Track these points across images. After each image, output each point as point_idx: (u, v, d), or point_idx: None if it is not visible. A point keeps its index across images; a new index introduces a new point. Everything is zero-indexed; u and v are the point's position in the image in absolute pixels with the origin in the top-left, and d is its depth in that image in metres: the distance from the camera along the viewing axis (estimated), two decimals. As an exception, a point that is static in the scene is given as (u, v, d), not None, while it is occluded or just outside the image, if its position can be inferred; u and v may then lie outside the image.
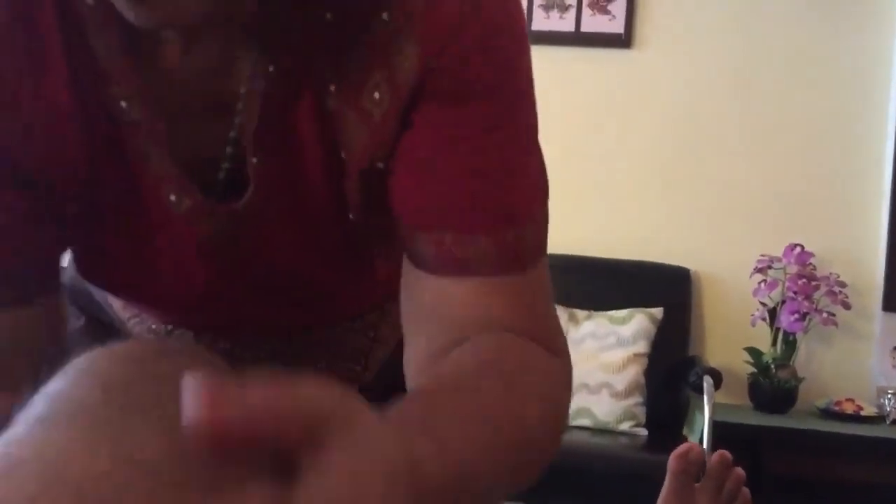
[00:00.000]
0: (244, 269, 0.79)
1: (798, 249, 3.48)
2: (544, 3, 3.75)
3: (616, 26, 3.74)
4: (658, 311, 3.45)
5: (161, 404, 0.44)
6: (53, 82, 0.69)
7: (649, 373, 3.36)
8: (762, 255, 3.50)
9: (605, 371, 3.33)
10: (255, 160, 0.72)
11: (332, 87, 0.70)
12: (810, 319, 3.42)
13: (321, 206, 0.75)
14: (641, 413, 3.32)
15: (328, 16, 0.69)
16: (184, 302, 0.82)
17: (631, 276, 3.58)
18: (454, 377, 0.65)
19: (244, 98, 0.70)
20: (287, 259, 0.78)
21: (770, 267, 3.48)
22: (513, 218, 0.73)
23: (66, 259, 0.86)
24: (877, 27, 3.60)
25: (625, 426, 3.27)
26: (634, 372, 3.34)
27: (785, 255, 3.48)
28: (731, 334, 3.59)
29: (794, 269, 3.46)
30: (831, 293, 3.43)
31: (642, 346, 3.38)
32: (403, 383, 0.75)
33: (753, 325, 3.49)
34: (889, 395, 3.37)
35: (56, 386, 0.46)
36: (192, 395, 0.38)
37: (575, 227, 3.51)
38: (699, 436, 3.09)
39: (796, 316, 3.40)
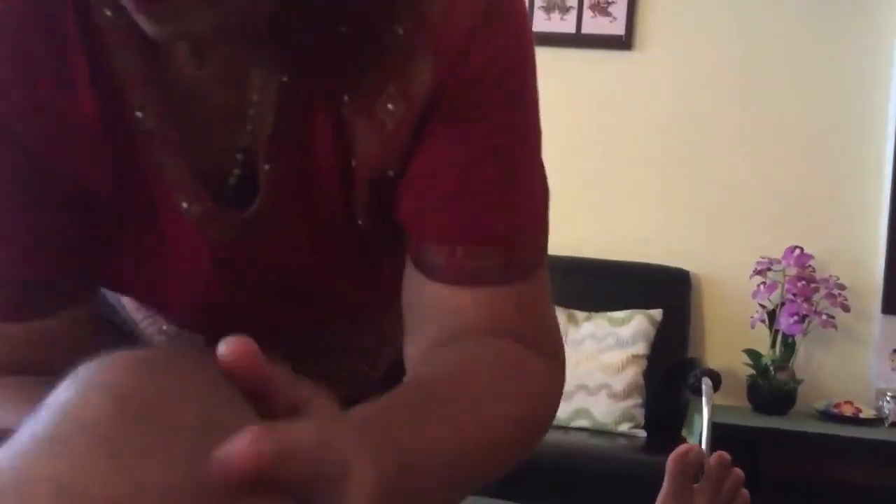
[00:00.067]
0: (254, 273, 0.80)
1: (797, 251, 3.48)
2: (545, 4, 3.75)
3: (617, 28, 3.74)
4: (657, 313, 3.46)
5: (173, 422, 0.44)
6: (77, 92, 0.71)
7: (648, 374, 3.36)
8: (762, 257, 3.50)
9: (604, 372, 3.33)
10: (266, 167, 0.73)
11: (346, 98, 0.71)
12: (809, 322, 3.42)
13: (331, 213, 0.76)
14: (640, 414, 3.32)
15: (342, 28, 0.70)
16: (195, 305, 0.83)
17: (630, 278, 3.58)
18: (431, 381, 0.69)
19: (257, 107, 0.72)
20: (297, 264, 0.80)
21: (769, 269, 3.48)
22: (520, 231, 0.76)
23: None
24: (877, 29, 3.60)
25: (623, 427, 3.27)
26: (633, 373, 3.34)
27: (784, 257, 3.48)
28: (730, 336, 3.59)
29: (793, 271, 3.46)
30: (831, 295, 3.43)
31: (641, 348, 3.38)
32: None
33: (753, 326, 3.49)
34: (888, 398, 3.37)
35: (64, 397, 0.45)
36: (240, 448, 0.42)
37: (575, 228, 3.51)
38: (698, 437, 3.09)
39: (795, 318, 3.40)
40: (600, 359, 3.36)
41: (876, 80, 3.61)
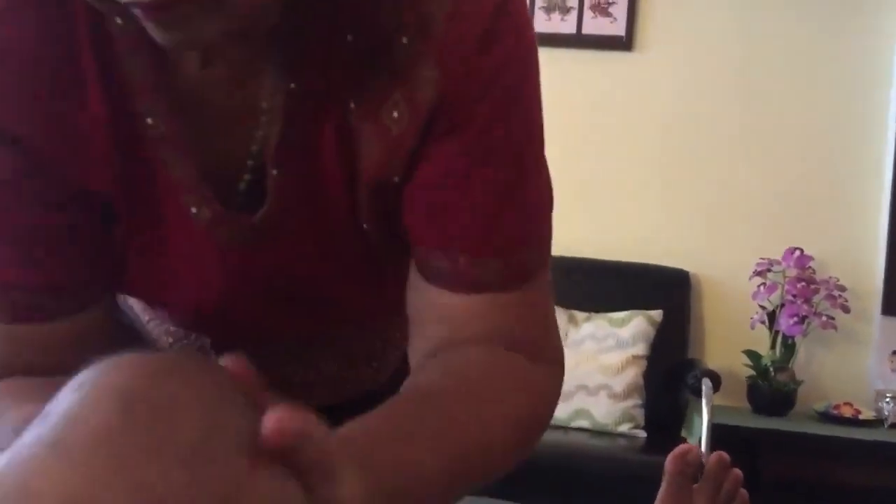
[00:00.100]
0: (260, 278, 0.81)
1: (797, 253, 3.48)
2: (546, 4, 3.76)
3: (617, 29, 3.74)
4: (657, 314, 3.46)
5: (179, 428, 0.44)
6: (86, 99, 0.72)
7: (648, 375, 3.37)
8: (761, 259, 3.50)
9: (604, 373, 3.33)
10: (275, 172, 0.74)
11: (353, 105, 0.72)
12: (809, 323, 3.42)
13: (337, 218, 0.77)
14: (640, 415, 3.32)
15: (349, 37, 0.71)
16: (201, 308, 0.84)
17: (630, 278, 3.58)
18: (424, 393, 0.72)
19: (266, 113, 0.73)
20: (303, 269, 0.81)
21: (769, 270, 3.48)
22: (523, 238, 0.77)
23: None
24: (877, 29, 3.60)
25: (623, 428, 3.27)
26: (633, 374, 3.34)
27: (784, 258, 3.48)
28: (730, 337, 3.59)
29: (793, 272, 3.46)
30: (830, 297, 3.43)
31: (641, 348, 3.38)
32: None
33: (752, 327, 3.49)
34: (887, 399, 3.37)
35: (69, 402, 0.45)
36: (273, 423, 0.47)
37: (575, 228, 3.51)
38: (698, 438, 3.09)
39: (795, 319, 3.40)
40: (600, 359, 3.36)
41: (876, 81, 3.61)
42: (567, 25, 3.76)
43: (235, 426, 0.47)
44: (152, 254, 0.78)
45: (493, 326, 0.77)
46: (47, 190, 0.74)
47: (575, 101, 3.66)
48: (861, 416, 3.34)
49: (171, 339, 0.95)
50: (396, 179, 0.75)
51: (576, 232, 3.51)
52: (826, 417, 3.37)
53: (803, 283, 3.43)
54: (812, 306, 3.42)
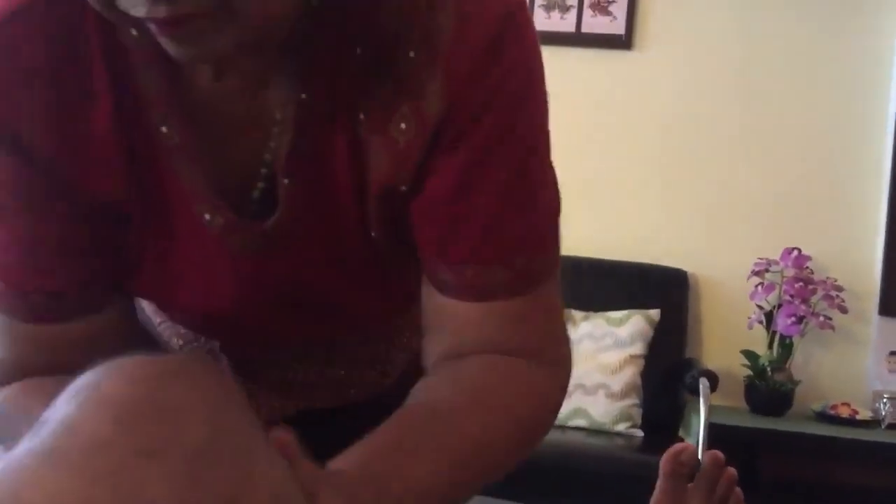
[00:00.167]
0: (271, 283, 0.82)
1: (795, 253, 3.48)
2: (545, 3, 3.75)
3: (617, 27, 3.74)
4: (655, 313, 3.46)
5: (174, 437, 0.43)
6: (100, 110, 0.73)
7: (646, 374, 3.37)
8: (759, 258, 3.50)
9: (602, 372, 3.33)
10: (286, 181, 0.76)
11: (362, 116, 0.74)
12: (807, 323, 3.42)
13: (347, 226, 0.79)
14: (637, 414, 3.32)
15: (358, 50, 0.73)
16: (211, 312, 0.85)
17: (628, 278, 3.58)
18: (427, 405, 0.76)
19: (278, 123, 0.75)
20: (313, 274, 0.82)
21: (767, 270, 3.48)
22: (529, 247, 0.79)
23: None
24: (877, 29, 3.60)
25: (621, 427, 3.27)
26: (631, 373, 3.34)
27: (782, 258, 3.48)
28: (727, 337, 3.59)
29: (791, 272, 3.46)
30: (828, 297, 3.43)
31: (639, 348, 3.38)
32: None
33: (750, 327, 3.49)
34: (884, 400, 3.37)
35: (64, 411, 0.45)
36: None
37: (573, 227, 3.50)
38: (695, 438, 3.09)
39: (793, 319, 3.40)
40: (598, 358, 3.36)
41: (876, 81, 3.61)
42: (566, 24, 3.75)
43: (239, 428, 0.47)
44: (164, 259, 0.80)
45: (500, 333, 0.79)
46: (62, 198, 0.76)
47: (574, 99, 3.66)
48: (858, 417, 3.34)
49: (181, 342, 0.96)
50: (404, 189, 0.76)
51: (574, 231, 3.50)
52: (823, 417, 3.37)
53: (801, 284, 3.43)
54: (810, 306, 3.42)
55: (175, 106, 0.74)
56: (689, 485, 1.00)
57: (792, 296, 3.42)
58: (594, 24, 3.75)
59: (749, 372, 3.47)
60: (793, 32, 3.65)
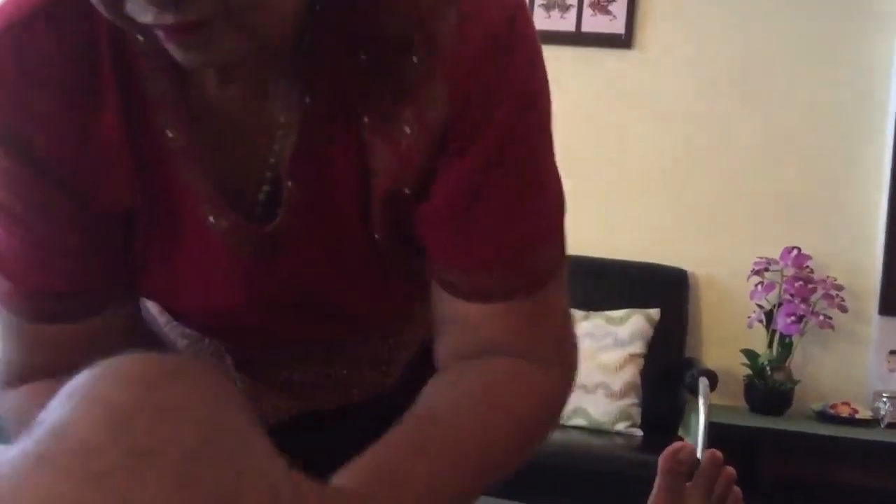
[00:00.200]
0: (274, 284, 0.83)
1: (795, 252, 3.48)
2: (545, 2, 3.75)
3: (617, 26, 3.74)
4: (655, 312, 3.46)
5: (167, 441, 0.43)
6: (108, 115, 0.75)
7: (645, 373, 3.37)
8: (759, 258, 3.50)
9: (602, 371, 3.33)
10: (290, 184, 0.77)
11: (366, 120, 0.75)
12: (807, 322, 3.42)
13: (350, 228, 0.80)
14: (637, 414, 3.32)
15: (362, 56, 0.74)
16: (214, 312, 0.86)
17: (628, 277, 3.58)
18: (430, 412, 0.78)
19: (283, 127, 0.76)
20: (315, 275, 0.83)
21: (767, 269, 3.48)
22: (534, 250, 0.81)
23: None
24: (877, 29, 3.60)
25: (620, 426, 3.27)
26: (631, 372, 3.34)
27: (782, 257, 3.48)
28: (727, 336, 3.59)
29: (791, 271, 3.46)
30: (828, 296, 3.43)
31: (639, 347, 3.38)
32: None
33: (750, 327, 3.49)
34: (884, 399, 3.37)
35: (57, 415, 0.45)
36: None
37: (573, 227, 3.47)
38: (695, 437, 3.09)
39: (793, 318, 3.40)
40: (598, 358, 3.36)
41: (876, 80, 3.61)
42: (566, 23, 3.75)
43: (235, 428, 0.47)
44: (169, 260, 0.81)
45: (507, 335, 0.81)
46: (70, 201, 0.77)
47: (573, 99, 3.66)
48: (858, 416, 3.34)
49: (186, 342, 0.97)
50: (408, 191, 0.77)
51: (573, 230, 3.48)
52: (823, 417, 3.37)
53: (801, 283, 3.42)
54: (809, 306, 3.42)
55: (181, 111, 0.75)
56: (688, 483, 1.00)
57: (792, 295, 3.42)
58: (594, 23, 3.75)
59: (749, 371, 3.47)
60: (793, 32, 3.65)
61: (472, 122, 0.74)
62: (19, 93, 0.74)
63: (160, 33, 0.63)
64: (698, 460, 1.01)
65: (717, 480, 1.00)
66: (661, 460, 0.99)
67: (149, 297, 0.92)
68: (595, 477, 2.97)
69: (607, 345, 3.39)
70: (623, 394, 3.31)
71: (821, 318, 3.41)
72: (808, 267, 3.48)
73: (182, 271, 0.82)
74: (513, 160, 0.77)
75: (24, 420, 0.79)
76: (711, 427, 3.06)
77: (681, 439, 3.23)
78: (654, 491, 1.00)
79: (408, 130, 0.74)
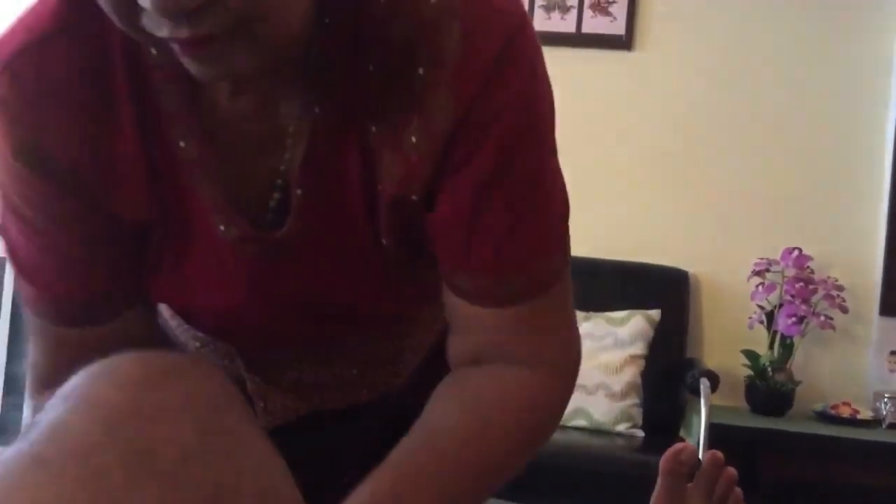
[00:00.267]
0: (283, 288, 0.85)
1: (796, 253, 3.47)
2: (545, 3, 3.75)
3: (617, 28, 3.74)
4: (656, 313, 3.46)
5: (163, 443, 0.43)
6: (124, 128, 0.77)
7: (646, 374, 3.36)
8: (760, 258, 3.50)
9: (603, 372, 3.33)
10: (299, 192, 0.79)
11: (374, 129, 0.77)
12: (807, 323, 3.42)
13: (358, 234, 0.81)
14: (638, 414, 3.32)
15: (370, 67, 0.76)
16: (224, 315, 0.89)
17: (629, 278, 3.58)
18: (433, 429, 0.82)
19: (293, 136, 0.78)
20: (323, 280, 0.85)
21: (768, 270, 3.48)
22: (543, 252, 0.84)
23: None
24: (877, 29, 3.60)
25: (621, 427, 3.27)
26: (632, 373, 3.34)
27: (783, 258, 3.48)
28: (728, 337, 3.59)
29: (791, 272, 3.46)
30: (829, 297, 3.43)
31: (640, 348, 3.38)
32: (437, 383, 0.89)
33: (751, 327, 3.49)
34: (885, 399, 3.37)
35: (52, 416, 0.45)
36: None
37: (574, 227, 3.48)
38: (696, 438, 3.09)
39: (793, 319, 3.40)
40: (599, 358, 3.36)
41: (876, 81, 3.61)
42: (566, 24, 3.75)
43: (231, 428, 0.47)
44: (181, 265, 0.83)
45: (514, 338, 0.84)
46: (87, 213, 0.79)
47: (574, 100, 3.65)
48: (859, 417, 3.34)
49: (198, 345, 0.98)
50: (414, 198, 0.79)
51: (574, 231, 3.47)
52: (824, 417, 3.37)
53: (802, 283, 3.42)
54: (810, 306, 3.42)
55: (193, 122, 0.77)
56: (689, 484, 1.00)
57: (793, 296, 3.42)
58: (594, 24, 3.75)
59: (750, 372, 3.47)
60: (793, 32, 3.65)
61: (476, 131, 0.76)
62: (39, 109, 0.75)
63: (175, 47, 0.65)
64: (699, 461, 1.01)
65: (719, 481, 1.00)
66: (663, 461, 0.99)
67: (161, 301, 0.94)
68: (596, 478, 2.97)
69: (608, 345, 3.39)
70: (624, 395, 3.30)
71: (822, 318, 3.41)
72: (808, 267, 3.47)
73: (192, 275, 0.84)
74: (517, 168, 0.79)
75: None
76: (712, 428, 3.06)
77: (682, 440, 3.23)
78: (656, 492, 1.00)
79: (414, 139, 0.76)
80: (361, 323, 0.93)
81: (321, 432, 1.01)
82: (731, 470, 1.01)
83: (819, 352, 3.57)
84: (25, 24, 0.77)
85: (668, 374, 3.42)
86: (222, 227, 0.80)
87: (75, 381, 0.48)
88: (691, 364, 3.41)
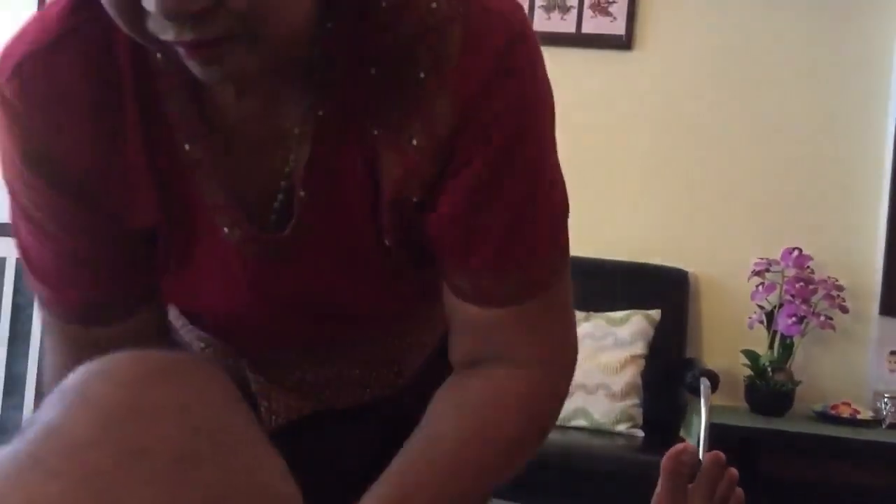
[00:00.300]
0: (286, 288, 0.86)
1: (796, 252, 3.48)
2: (545, 3, 3.75)
3: (617, 28, 3.74)
4: (656, 313, 3.46)
5: (161, 442, 0.43)
6: (131, 133, 0.78)
7: (646, 374, 3.36)
8: (760, 258, 3.50)
9: (603, 372, 3.33)
10: (302, 194, 0.80)
11: (375, 131, 0.78)
12: (807, 323, 3.42)
13: (361, 234, 0.83)
14: (638, 414, 3.32)
15: (372, 71, 0.77)
16: (228, 315, 0.90)
17: (629, 278, 3.58)
18: (432, 436, 0.84)
19: (296, 138, 0.79)
20: (326, 280, 0.86)
21: (768, 270, 3.48)
22: (543, 251, 0.85)
23: None
24: (877, 30, 3.60)
25: (621, 427, 3.27)
26: (632, 373, 3.34)
27: (783, 258, 3.48)
28: (728, 337, 3.59)
29: (791, 272, 3.46)
30: (829, 297, 3.43)
31: (640, 348, 3.38)
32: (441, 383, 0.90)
33: (751, 327, 3.49)
34: (885, 399, 3.37)
35: (50, 415, 0.45)
36: None
37: (574, 227, 3.48)
38: (696, 438, 3.09)
39: (793, 319, 3.40)
40: (599, 358, 3.36)
41: (876, 81, 3.61)
42: (567, 24, 3.75)
43: (229, 428, 0.47)
44: (185, 265, 0.85)
45: (513, 339, 0.85)
46: (97, 219, 0.81)
47: (574, 100, 3.66)
48: (859, 416, 3.34)
49: (202, 345, 0.99)
50: (415, 199, 0.80)
51: (574, 231, 3.47)
52: (824, 417, 3.37)
53: (802, 283, 3.42)
54: (810, 306, 3.42)
55: (198, 125, 0.78)
56: (690, 485, 1.00)
57: (793, 295, 3.42)
58: (594, 24, 3.75)
59: (750, 372, 3.47)
60: (793, 32, 3.65)
61: (477, 133, 0.77)
62: (47, 115, 0.77)
63: (181, 50, 0.66)
64: (700, 462, 1.01)
65: (720, 482, 1.00)
66: (665, 461, 0.99)
67: (166, 301, 0.95)
68: (596, 478, 2.97)
69: (608, 345, 3.39)
70: (624, 394, 3.31)
71: (822, 318, 3.41)
72: (808, 267, 3.48)
73: (196, 276, 0.85)
74: (517, 169, 0.80)
75: None
76: (712, 428, 3.06)
77: (682, 440, 3.23)
78: (657, 492, 0.99)
79: (415, 141, 0.77)
80: (363, 323, 0.94)
81: (323, 432, 1.02)
82: (733, 470, 1.01)
83: (819, 352, 3.57)
84: (33, 30, 0.78)
85: (668, 373, 3.42)
86: (226, 229, 0.81)
87: (73, 379, 0.48)
88: (691, 364, 3.41)
